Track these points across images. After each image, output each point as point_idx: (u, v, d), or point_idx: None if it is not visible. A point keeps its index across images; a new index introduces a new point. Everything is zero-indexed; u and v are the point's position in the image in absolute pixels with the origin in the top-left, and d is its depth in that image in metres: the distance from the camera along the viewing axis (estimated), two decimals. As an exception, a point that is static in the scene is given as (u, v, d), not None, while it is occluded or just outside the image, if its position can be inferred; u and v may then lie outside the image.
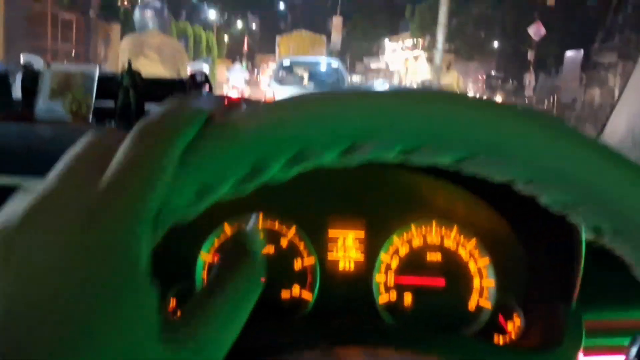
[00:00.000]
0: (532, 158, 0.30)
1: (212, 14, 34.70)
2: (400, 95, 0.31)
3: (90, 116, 1.41)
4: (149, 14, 19.31)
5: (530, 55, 20.24)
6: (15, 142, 1.12)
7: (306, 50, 25.93)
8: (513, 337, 0.80)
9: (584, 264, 0.71)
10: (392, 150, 0.32)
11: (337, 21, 34.19)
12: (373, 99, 0.31)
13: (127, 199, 0.27)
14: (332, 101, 0.31)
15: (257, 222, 0.75)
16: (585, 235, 0.71)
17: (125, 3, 23.93)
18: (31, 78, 1.47)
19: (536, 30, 18.65)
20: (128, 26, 20.79)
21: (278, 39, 29.98)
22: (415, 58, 30.79)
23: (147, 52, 15.32)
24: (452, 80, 23.44)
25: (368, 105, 0.31)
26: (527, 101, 18.97)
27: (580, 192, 0.31)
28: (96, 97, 1.44)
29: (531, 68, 20.15)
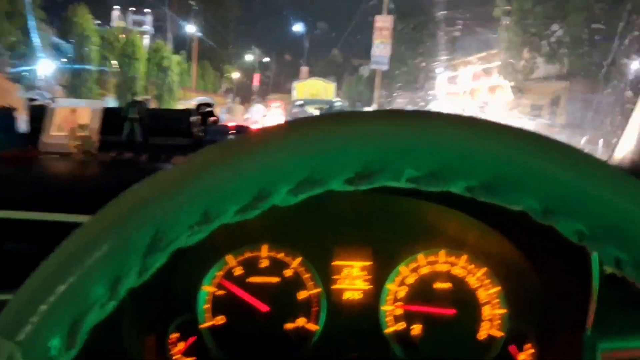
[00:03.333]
0: (547, 187, 0.29)
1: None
2: (409, 119, 0.30)
3: (96, 150, 1.41)
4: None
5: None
6: (21, 176, 1.11)
7: (318, 95, 27.39)
8: None
9: (600, 291, 0.68)
10: (401, 177, 0.31)
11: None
12: (381, 123, 0.29)
13: None
14: (338, 126, 0.30)
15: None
16: (603, 266, 0.69)
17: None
18: (38, 113, 1.48)
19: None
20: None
21: (295, 83, 30.70)
22: (492, 90, 19.53)
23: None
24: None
25: (376, 131, 0.29)
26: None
27: (598, 223, 0.29)
28: (103, 132, 1.44)
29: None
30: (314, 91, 28.30)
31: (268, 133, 0.30)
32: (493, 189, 0.30)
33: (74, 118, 1.45)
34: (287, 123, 0.30)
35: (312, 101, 22.01)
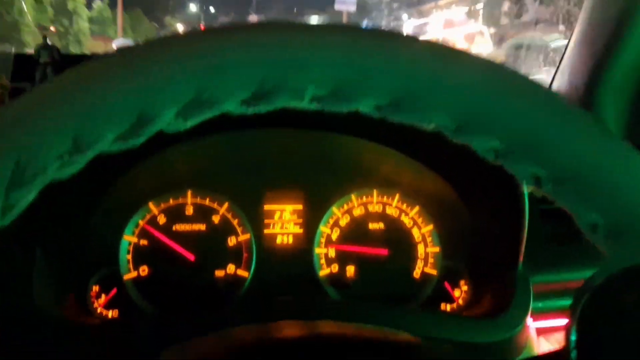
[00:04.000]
0: (459, 102, 0.26)
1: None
2: (308, 32, 0.26)
3: (7, 98, 1.30)
4: None
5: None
6: None
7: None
8: (461, 304, 0.78)
9: (530, 227, 0.68)
10: (304, 96, 0.27)
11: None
12: (276, 35, 0.25)
13: None
14: (227, 38, 0.25)
15: None
16: (525, 188, 0.68)
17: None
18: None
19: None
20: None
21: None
22: (469, 39, 15.85)
23: None
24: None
25: (270, 43, 0.25)
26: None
27: (514, 138, 0.27)
28: (13, 79, 1.33)
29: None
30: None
31: (146, 47, 0.25)
32: (403, 107, 0.27)
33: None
34: (170, 36, 0.25)
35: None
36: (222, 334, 0.53)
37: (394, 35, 0.26)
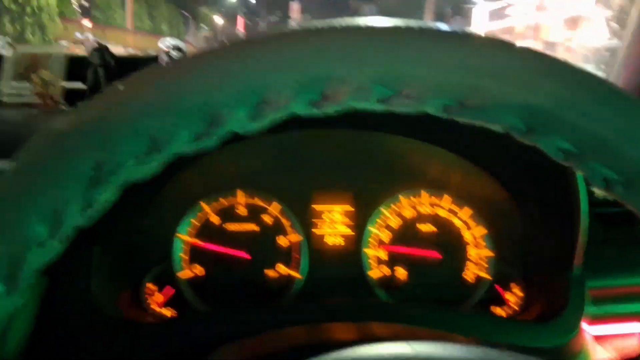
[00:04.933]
0: (531, 102, 0.26)
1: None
2: (378, 31, 0.25)
3: (61, 98, 1.34)
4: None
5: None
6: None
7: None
8: (513, 308, 0.76)
9: (588, 231, 0.67)
10: (370, 96, 0.27)
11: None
12: (345, 35, 0.25)
13: None
14: (296, 40, 0.25)
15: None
16: (595, 190, 0.67)
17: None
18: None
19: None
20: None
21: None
22: (572, 24, 11.80)
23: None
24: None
25: (339, 44, 0.25)
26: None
27: (585, 139, 0.26)
28: (68, 79, 1.37)
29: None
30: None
31: (219, 49, 0.26)
32: (472, 107, 0.27)
33: (35, 65, 1.37)
34: (241, 38, 0.26)
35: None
36: (275, 334, 0.54)
37: (466, 35, 0.26)
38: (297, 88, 0.26)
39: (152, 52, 1.67)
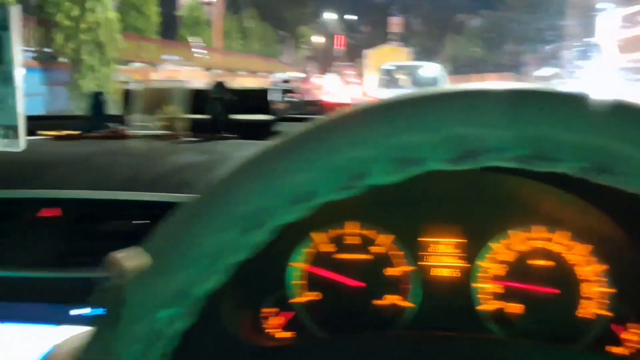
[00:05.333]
0: None
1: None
2: (519, 94, 0.27)
3: (183, 130, 1.45)
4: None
5: None
6: (114, 158, 1.16)
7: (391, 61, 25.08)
8: (635, 348, 0.73)
9: None
10: (507, 156, 0.29)
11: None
12: (488, 100, 0.27)
13: None
14: (441, 103, 0.28)
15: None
16: None
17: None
18: (127, 95, 1.54)
19: None
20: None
21: (366, 52, 28.76)
22: None
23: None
24: None
25: (481, 108, 0.27)
26: None
27: None
28: (192, 111, 1.48)
29: None
30: (387, 59, 25.32)
31: (366, 109, 0.29)
32: (610, 170, 0.27)
33: (160, 99, 1.50)
34: (388, 100, 0.29)
35: (402, 66, 18.77)
36: None
37: (603, 101, 0.27)
38: (437, 149, 0.28)
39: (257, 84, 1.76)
